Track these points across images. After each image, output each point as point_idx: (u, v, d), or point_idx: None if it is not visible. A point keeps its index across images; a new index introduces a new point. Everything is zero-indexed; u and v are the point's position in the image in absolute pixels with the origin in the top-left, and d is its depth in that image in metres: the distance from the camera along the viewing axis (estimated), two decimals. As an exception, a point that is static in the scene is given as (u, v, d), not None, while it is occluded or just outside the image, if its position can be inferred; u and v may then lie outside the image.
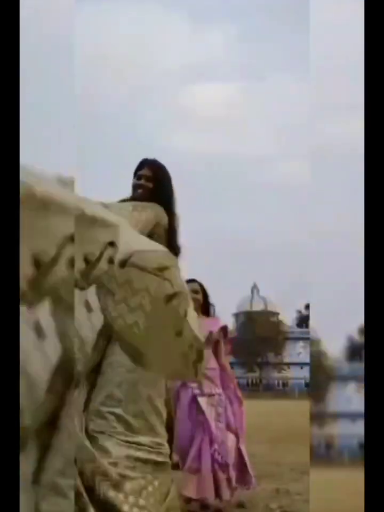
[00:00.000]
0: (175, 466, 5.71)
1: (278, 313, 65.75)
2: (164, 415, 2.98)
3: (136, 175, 3.48)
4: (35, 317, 1.85)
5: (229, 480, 3.74)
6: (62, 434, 1.93)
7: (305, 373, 59.66)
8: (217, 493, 3.72)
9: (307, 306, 64.67)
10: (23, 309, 1.50)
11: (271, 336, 60.96)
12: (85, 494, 2.43)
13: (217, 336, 4.11)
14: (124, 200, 3.33)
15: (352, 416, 3.01)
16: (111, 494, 2.48)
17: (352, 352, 2.97)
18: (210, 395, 3.86)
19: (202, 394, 3.82)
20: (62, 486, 1.98)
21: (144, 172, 3.41)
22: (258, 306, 64.47)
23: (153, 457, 2.76)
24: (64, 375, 1.92)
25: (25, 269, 1.28)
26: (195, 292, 4.05)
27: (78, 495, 2.30)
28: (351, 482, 2.67)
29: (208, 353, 3.91)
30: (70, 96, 2.50)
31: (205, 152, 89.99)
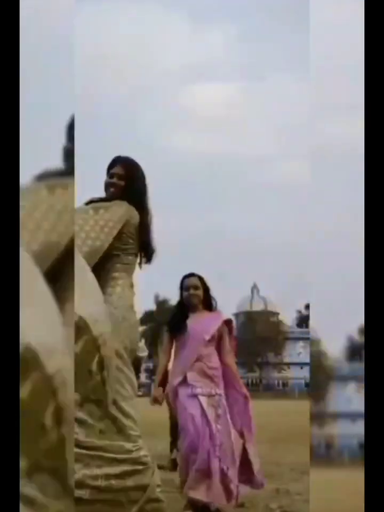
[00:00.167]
0: (174, 463, 5.67)
1: (278, 313, 65.78)
2: (135, 416, 2.96)
3: (109, 173, 3.37)
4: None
5: (229, 482, 3.64)
6: None
7: (305, 373, 59.68)
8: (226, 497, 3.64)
9: (307, 306, 64.67)
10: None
11: (271, 336, 60.99)
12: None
13: (221, 331, 3.94)
14: (92, 200, 3.25)
15: (352, 416, 3.01)
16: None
17: (352, 352, 2.97)
18: (210, 395, 3.73)
19: (203, 394, 3.71)
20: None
21: (116, 170, 3.32)
22: (258, 306, 64.48)
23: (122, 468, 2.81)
24: None
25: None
26: (194, 287, 3.92)
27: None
28: (351, 482, 2.67)
29: (210, 350, 3.84)
30: (70, 96, 2.50)
31: (205, 152, 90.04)
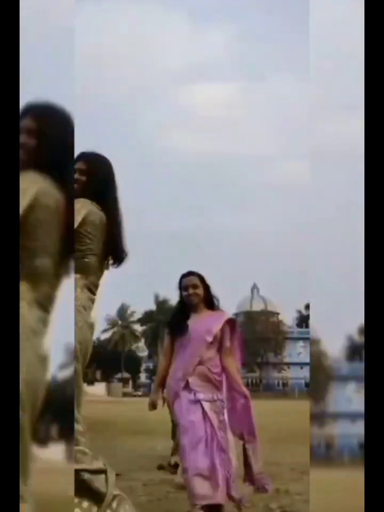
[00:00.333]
0: (175, 466, 5.66)
1: (278, 313, 65.80)
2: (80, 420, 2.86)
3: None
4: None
5: (232, 488, 3.55)
6: None
7: (305, 373, 59.70)
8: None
9: (307, 306, 64.67)
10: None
11: (271, 336, 61.01)
12: None
13: (223, 332, 3.71)
14: None
15: (352, 416, 3.00)
16: None
17: (352, 352, 2.97)
18: (213, 401, 3.59)
19: (205, 400, 3.56)
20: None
21: (79, 165, 3.05)
22: (258, 306, 64.49)
23: None
24: None
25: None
26: (193, 286, 3.72)
27: None
28: (351, 482, 2.67)
29: (212, 353, 3.67)
30: (70, 96, 2.50)
31: (205, 152, 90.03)
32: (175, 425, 4.98)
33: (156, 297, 67.02)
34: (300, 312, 72.04)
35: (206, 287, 3.77)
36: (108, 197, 3.08)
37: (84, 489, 2.77)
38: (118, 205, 3.13)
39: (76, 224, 2.55)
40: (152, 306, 67.63)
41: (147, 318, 68.06)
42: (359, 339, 2.73)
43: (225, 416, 3.64)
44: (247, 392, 3.72)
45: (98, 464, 2.85)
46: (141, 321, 70.60)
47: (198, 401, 3.53)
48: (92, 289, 3.07)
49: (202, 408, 3.51)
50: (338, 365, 3.03)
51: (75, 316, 2.83)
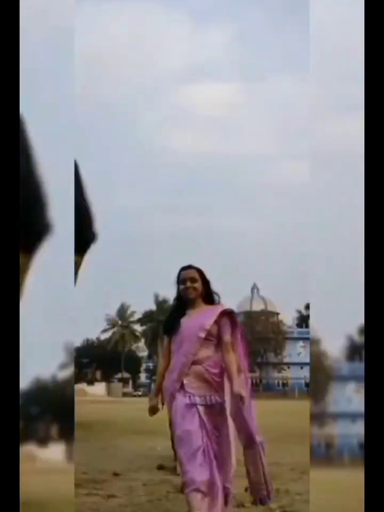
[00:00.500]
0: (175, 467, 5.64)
1: (278, 313, 65.81)
2: None
3: None
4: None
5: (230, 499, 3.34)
6: None
7: (305, 373, 59.69)
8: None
9: (307, 306, 64.69)
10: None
11: (271, 336, 61.04)
12: None
13: (220, 325, 3.40)
14: None
15: (352, 416, 3.01)
16: None
17: (352, 352, 2.97)
18: (210, 404, 3.32)
19: (200, 403, 3.30)
20: None
21: None
22: (258, 306, 64.50)
23: None
24: None
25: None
26: (192, 280, 3.47)
27: None
28: (351, 482, 2.67)
29: (210, 351, 3.39)
30: (70, 96, 2.50)
31: (205, 152, 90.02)
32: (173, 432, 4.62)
33: (156, 297, 67.05)
34: (299, 312, 72.06)
35: (205, 282, 3.53)
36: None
37: None
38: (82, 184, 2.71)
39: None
40: (152, 306, 67.65)
41: (147, 318, 68.06)
42: (359, 339, 2.73)
43: (228, 418, 3.37)
44: (242, 393, 3.30)
45: None
46: (141, 321, 70.61)
47: (194, 405, 3.29)
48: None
49: (199, 414, 3.27)
50: (338, 365, 3.04)
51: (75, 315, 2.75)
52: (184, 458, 3.26)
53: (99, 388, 61.50)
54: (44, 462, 2.94)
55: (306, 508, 3.75)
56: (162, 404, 3.56)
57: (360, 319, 2.52)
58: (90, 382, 64.69)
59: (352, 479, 2.62)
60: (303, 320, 68.92)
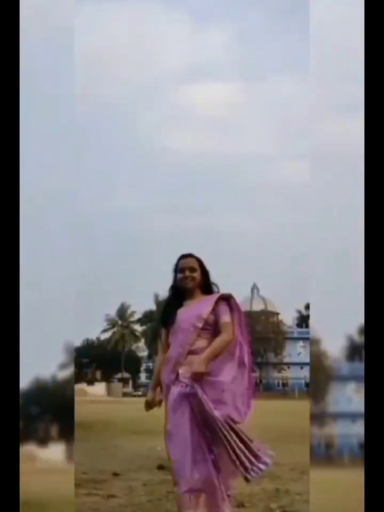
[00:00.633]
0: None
1: (278, 313, 65.81)
2: None
3: None
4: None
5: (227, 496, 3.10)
6: None
7: (305, 373, 59.69)
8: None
9: (307, 306, 64.69)
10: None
11: (271, 336, 61.03)
12: None
13: (216, 312, 3.21)
14: None
15: (352, 416, 3.01)
16: None
17: (352, 352, 2.97)
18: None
19: (194, 393, 3.08)
20: None
21: None
22: (258, 306, 64.47)
23: None
24: None
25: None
26: (191, 269, 3.31)
27: None
28: (351, 482, 2.67)
29: (206, 341, 3.19)
30: (70, 96, 2.50)
31: (205, 152, 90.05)
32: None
33: (156, 297, 66.98)
34: (300, 312, 72.05)
35: (205, 272, 3.37)
36: None
37: None
38: None
39: None
40: (152, 306, 67.59)
41: (147, 318, 68.04)
42: (359, 339, 2.73)
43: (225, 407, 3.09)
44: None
45: None
46: (141, 321, 70.60)
47: (187, 397, 3.11)
48: None
49: (191, 407, 3.10)
50: (338, 365, 3.04)
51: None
52: (173, 455, 3.13)
53: (99, 388, 61.49)
54: (44, 462, 2.93)
55: (306, 508, 3.75)
56: (160, 402, 3.37)
57: (360, 319, 2.53)
58: (90, 382, 64.68)
59: (352, 479, 2.62)
60: (303, 320, 68.93)
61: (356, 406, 2.85)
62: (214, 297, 3.27)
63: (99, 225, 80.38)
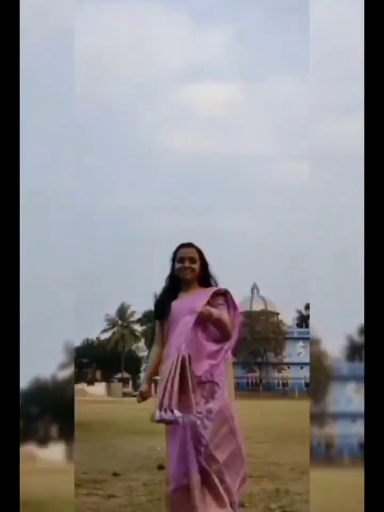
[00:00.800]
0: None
1: (278, 313, 65.81)
2: None
3: None
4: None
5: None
6: None
7: (305, 373, 59.70)
8: None
9: (307, 306, 64.69)
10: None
11: (271, 336, 61.03)
12: None
13: (211, 306, 3.06)
14: None
15: (352, 416, 3.01)
16: None
17: (352, 352, 2.97)
18: (200, 383, 2.96)
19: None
20: None
21: None
22: (258, 306, 64.46)
23: None
24: None
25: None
26: (190, 259, 3.16)
27: None
28: (351, 482, 2.67)
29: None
30: (70, 96, 2.50)
31: (205, 152, 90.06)
32: None
33: (156, 297, 67.00)
34: (300, 312, 72.07)
35: (204, 264, 3.22)
36: None
37: None
38: None
39: None
40: (152, 306, 67.58)
41: (147, 318, 68.02)
42: (359, 339, 2.73)
43: (228, 404, 3.03)
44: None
45: None
46: (141, 321, 70.62)
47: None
48: None
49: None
50: (338, 365, 3.03)
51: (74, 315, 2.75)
52: (167, 451, 3.03)
53: (99, 388, 61.50)
54: (44, 462, 2.93)
55: (306, 508, 3.75)
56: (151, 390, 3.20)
57: (360, 319, 2.53)
58: (90, 382, 64.68)
59: (352, 479, 2.62)
60: (303, 320, 68.92)
61: (355, 406, 2.85)
62: (209, 291, 3.13)
63: (99, 225, 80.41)
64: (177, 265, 3.19)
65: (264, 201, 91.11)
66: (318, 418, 3.04)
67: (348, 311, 2.81)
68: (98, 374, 71.63)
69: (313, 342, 3.05)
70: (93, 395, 50.54)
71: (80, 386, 54.10)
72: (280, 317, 66.32)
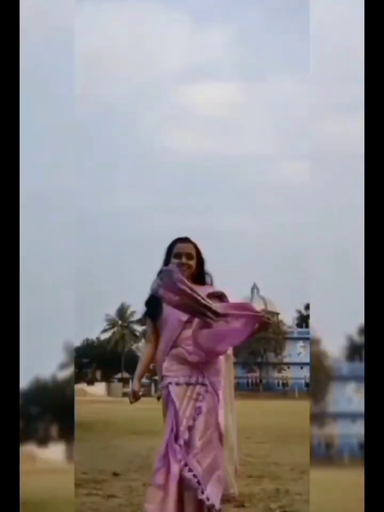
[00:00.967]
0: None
1: (278, 313, 65.82)
2: None
3: None
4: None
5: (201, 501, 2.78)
6: None
7: (305, 373, 59.70)
8: None
9: (307, 306, 64.71)
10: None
11: (271, 336, 61.04)
12: None
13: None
14: None
15: (352, 416, 3.01)
16: None
17: (352, 352, 2.97)
18: (188, 384, 2.90)
19: (177, 383, 2.90)
20: None
21: None
22: (258, 306, 64.46)
23: None
24: None
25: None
26: (188, 255, 3.04)
27: None
28: (351, 482, 2.67)
29: (188, 332, 2.94)
30: (70, 96, 2.50)
31: (205, 152, 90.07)
32: None
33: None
34: (300, 312, 72.08)
35: (201, 260, 3.10)
36: None
37: None
38: None
39: None
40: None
41: (147, 318, 68.02)
42: (359, 339, 2.73)
43: (217, 404, 2.95)
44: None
45: None
46: (141, 321, 70.64)
47: (170, 391, 2.91)
48: None
49: (172, 399, 2.89)
50: (338, 365, 3.04)
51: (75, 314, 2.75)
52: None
53: (99, 388, 61.50)
54: (44, 462, 2.93)
55: (306, 508, 3.75)
56: (158, 398, 3.14)
57: (360, 319, 2.53)
58: (90, 382, 64.68)
59: (352, 479, 2.62)
60: (303, 320, 68.93)
61: (355, 406, 2.85)
62: (204, 291, 2.97)
63: (99, 225, 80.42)
64: (174, 260, 3.06)
65: (264, 201, 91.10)
66: (318, 418, 3.04)
67: (347, 311, 2.81)
68: (98, 374, 71.63)
69: (313, 342, 3.05)
70: (93, 395, 50.54)
71: (80, 386, 54.10)
72: (280, 317, 66.30)
